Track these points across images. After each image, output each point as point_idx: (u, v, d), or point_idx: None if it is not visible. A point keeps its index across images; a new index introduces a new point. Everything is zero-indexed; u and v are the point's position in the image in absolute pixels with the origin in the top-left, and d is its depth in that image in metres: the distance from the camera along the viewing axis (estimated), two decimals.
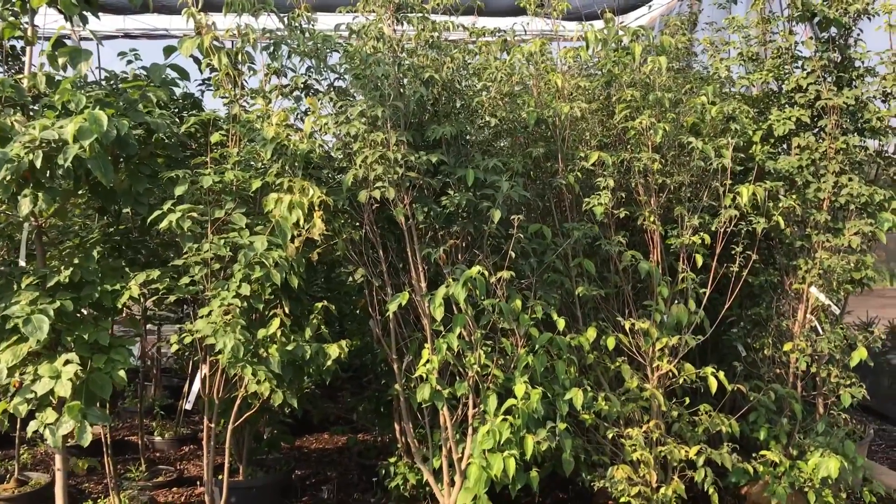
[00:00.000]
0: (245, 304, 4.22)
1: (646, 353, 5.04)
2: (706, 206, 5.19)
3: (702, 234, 5.00)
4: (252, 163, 4.48)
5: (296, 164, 4.20)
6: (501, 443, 4.31)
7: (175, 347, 4.51)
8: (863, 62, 5.63)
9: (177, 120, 4.79)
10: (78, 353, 4.45)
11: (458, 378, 4.62)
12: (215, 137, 4.37)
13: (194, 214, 4.10)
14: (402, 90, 4.16)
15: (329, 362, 4.36)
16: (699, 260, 5.05)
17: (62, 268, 4.51)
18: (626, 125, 5.04)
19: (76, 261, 4.66)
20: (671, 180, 5.02)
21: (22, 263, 4.75)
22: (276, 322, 4.27)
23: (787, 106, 5.58)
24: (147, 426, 7.47)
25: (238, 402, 4.70)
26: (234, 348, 4.12)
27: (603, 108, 5.21)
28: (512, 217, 4.30)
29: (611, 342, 4.93)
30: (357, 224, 4.65)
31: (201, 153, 5.13)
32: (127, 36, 11.00)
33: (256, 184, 4.33)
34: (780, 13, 5.72)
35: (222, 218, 4.22)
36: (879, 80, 5.46)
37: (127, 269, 4.84)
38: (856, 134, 5.51)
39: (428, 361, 4.44)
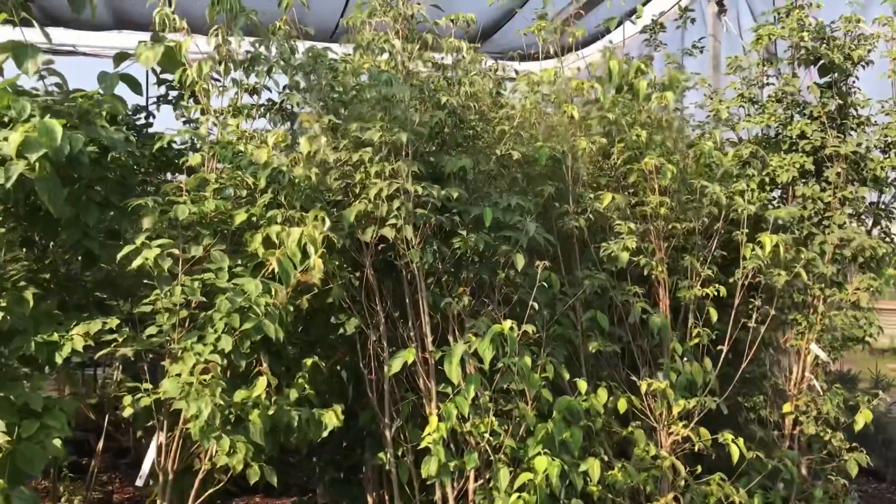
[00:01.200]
0: (225, 360, 3.49)
1: (658, 417, 4.55)
2: (717, 256, 4.79)
3: (716, 286, 4.59)
4: (229, 192, 3.76)
5: (293, 194, 3.52)
6: None
7: (128, 412, 3.70)
8: (857, 110, 5.42)
9: (131, 138, 4.02)
10: (3, 418, 3.60)
11: (462, 447, 4.01)
12: (195, 159, 3.64)
13: (175, 252, 3.35)
14: (415, 114, 3.57)
15: (325, 432, 3.66)
16: (714, 314, 4.64)
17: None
18: (628, 167, 4.61)
19: (1, 303, 3.81)
20: (681, 226, 4.60)
21: None
22: (260, 382, 3.56)
23: (787, 152, 5.29)
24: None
25: (201, 476, 3.92)
26: (211, 415, 3.38)
27: (599, 148, 4.75)
28: (536, 263, 3.75)
29: (622, 405, 4.44)
30: (351, 267, 3.99)
31: (149, 180, 4.38)
32: None
33: (241, 217, 3.62)
34: (777, 55, 5.47)
35: (199, 256, 3.48)
36: (881, 129, 5.25)
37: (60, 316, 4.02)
38: (857, 184, 5.28)
39: (435, 430, 3.80)
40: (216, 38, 3.82)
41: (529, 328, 3.70)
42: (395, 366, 3.75)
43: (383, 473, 4.68)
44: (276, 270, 3.42)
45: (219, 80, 4.25)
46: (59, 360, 3.73)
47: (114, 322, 3.56)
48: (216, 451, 3.74)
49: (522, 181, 4.27)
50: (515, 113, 4.20)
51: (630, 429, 4.48)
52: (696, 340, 4.62)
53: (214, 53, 4.00)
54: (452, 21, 3.93)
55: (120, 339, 3.56)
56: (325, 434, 3.71)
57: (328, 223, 3.41)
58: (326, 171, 3.72)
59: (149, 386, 3.76)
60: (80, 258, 3.97)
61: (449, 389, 3.90)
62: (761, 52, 5.34)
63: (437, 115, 3.62)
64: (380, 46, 3.70)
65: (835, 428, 5.23)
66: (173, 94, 4.78)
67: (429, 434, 3.83)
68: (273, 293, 3.54)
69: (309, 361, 3.84)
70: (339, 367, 4.37)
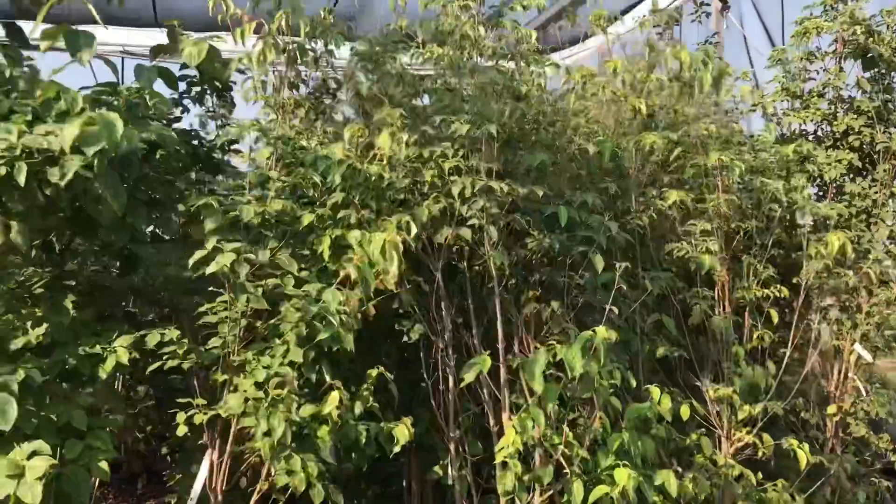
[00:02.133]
0: (296, 373, 3.21)
1: (722, 423, 4.38)
2: (775, 255, 4.63)
3: (778, 286, 4.43)
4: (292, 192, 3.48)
5: (368, 193, 3.25)
6: None
7: (182, 430, 3.40)
8: None
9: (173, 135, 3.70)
10: (44, 439, 3.27)
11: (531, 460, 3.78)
12: (263, 154, 3.33)
13: (252, 256, 3.05)
14: (494, 106, 3.33)
15: (397, 448, 3.40)
16: (775, 316, 4.48)
17: (28, 325, 3.32)
18: (687, 162, 4.43)
19: (38, 313, 3.49)
20: (745, 225, 4.44)
21: None
22: (332, 397, 3.28)
23: (830, 149, 5.17)
24: None
25: (256, 497, 3.63)
26: (284, 433, 3.10)
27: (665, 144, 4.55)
28: (618, 264, 3.54)
29: (685, 411, 4.25)
30: (414, 271, 3.73)
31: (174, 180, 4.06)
32: None
33: (308, 218, 3.34)
34: (820, 48, 5.33)
35: (264, 261, 3.19)
36: None
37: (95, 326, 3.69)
38: None
39: (511, 443, 3.56)
40: (273, 26, 3.52)
41: (613, 334, 3.48)
42: (470, 375, 3.50)
43: (431, 488, 4.45)
44: (354, 277, 3.14)
45: (250, 74, 3.98)
46: (102, 374, 3.41)
47: (174, 333, 3.25)
48: (274, 471, 3.47)
49: (586, 178, 4.05)
50: (586, 106, 3.97)
51: (696, 436, 4.29)
52: (756, 343, 4.46)
53: (260, 45, 3.71)
54: (524, 7, 3.68)
55: (180, 352, 3.25)
56: (397, 450, 3.45)
57: (415, 228, 3.14)
58: (393, 169, 3.46)
59: (202, 401, 3.46)
60: (119, 264, 3.63)
61: (521, 400, 3.68)
62: (804, 46, 5.20)
63: (519, 109, 3.37)
64: (463, 33, 3.43)
65: (877, 429, 5.14)
66: (195, 89, 4.45)
67: (504, 447, 3.59)
68: (345, 300, 3.27)
69: (374, 372, 3.58)
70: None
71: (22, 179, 2.87)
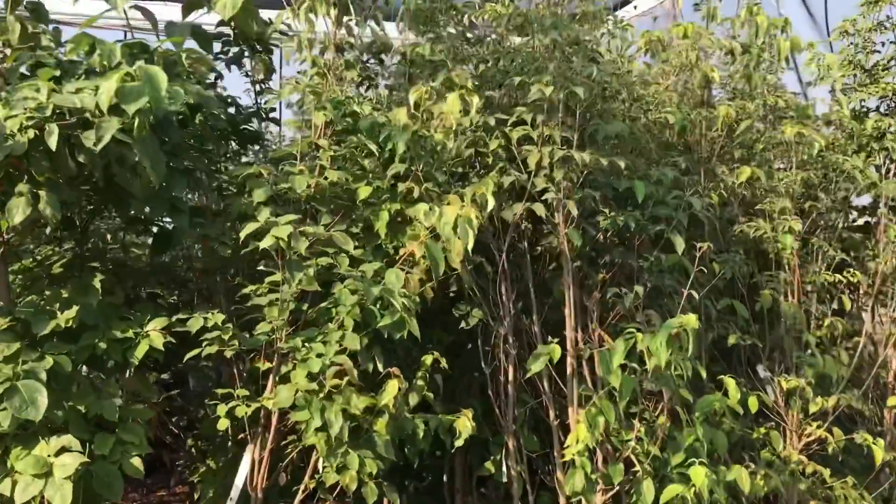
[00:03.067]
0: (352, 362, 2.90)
1: (791, 415, 4.09)
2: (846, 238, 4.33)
3: (851, 271, 4.13)
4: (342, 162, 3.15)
5: (434, 164, 2.92)
6: None
7: (224, 425, 3.09)
8: None
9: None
10: (72, 433, 2.96)
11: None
12: (319, 118, 2.99)
13: (309, 230, 2.72)
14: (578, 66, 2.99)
15: (459, 441, 3.10)
16: (847, 303, 4.19)
17: (56, 305, 3.00)
18: (747, 136, 4.11)
19: (64, 294, 3.16)
20: (820, 204, 4.13)
21: None
22: (391, 387, 2.97)
23: None
24: None
25: (300, 497, 3.33)
26: (342, 429, 2.79)
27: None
28: (700, 245, 3.23)
29: (753, 403, 3.95)
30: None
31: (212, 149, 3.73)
32: None
33: (365, 191, 3.00)
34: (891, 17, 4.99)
35: (322, 236, 2.85)
36: None
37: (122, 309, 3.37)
38: None
39: (581, 440, 3.27)
40: None
41: (692, 320, 3.16)
42: (537, 365, 3.19)
43: (476, 483, 4.16)
44: (419, 255, 2.82)
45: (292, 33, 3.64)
46: (134, 360, 3.09)
47: (218, 318, 2.93)
48: (322, 468, 3.16)
49: (656, 151, 3.72)
50: (653, 73, 3.64)
51: (763, 429, 4.00)
52: (826, 332, 4.16)
53: None
54: None
55: (225, 338, 2.92)
56: (459, 443, 3.15)
57: (491, 202, 2.80)
58: (465, 139, 3.12)
59: (244, 392, 3.14)
60: (159, 237, 3.30)
61: (588, 392, 3.38)
62: (873, 15, 4.86)
63: (592, 72, 3.03)
64: None
65: None
66: (232, 51, 4.09)
67: (571, 445, 3.29)
68: (405, 282, 2.95)
69: (428, 359, 3.26)
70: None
71: (54, 143, 2.54)
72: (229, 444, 3.88)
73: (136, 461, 3.05)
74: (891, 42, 5.01)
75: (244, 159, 4.04)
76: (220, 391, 3.16)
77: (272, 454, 3.37)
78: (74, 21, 7.75)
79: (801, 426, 4.08)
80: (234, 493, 3.28)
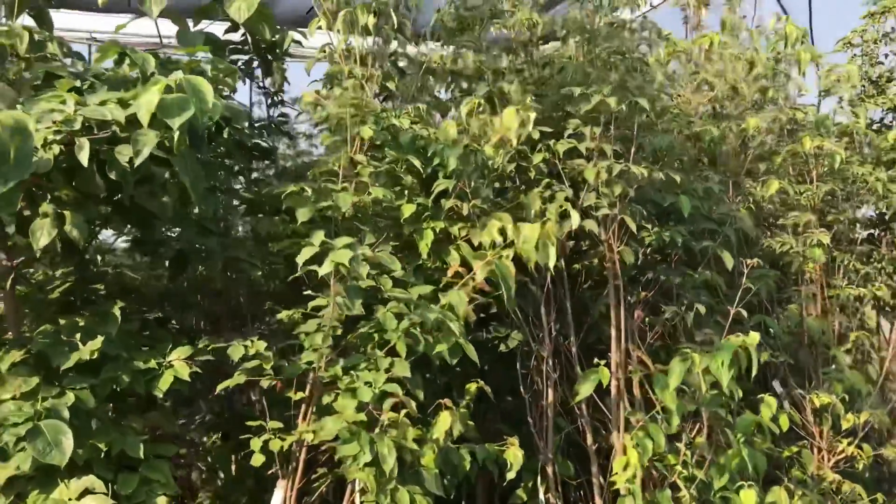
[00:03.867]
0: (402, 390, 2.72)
1: (822, 433, 4.01)
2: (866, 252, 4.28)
3: (877, 284, 4.08)
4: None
5: (483, 179, 2.77)
6: None
7: (259, 459, 2.88)
8: None
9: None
10: (95, 473, 2.73)
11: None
12: (366, 132, 2.80)
13: (368, 253, 2.53)
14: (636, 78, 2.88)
15: (511, 473, 2.94)
16: (871, 317, 4.14)
17: (77, 335, 2.76)
18: (765, 149, 4.06)
19: (80, 323, 2.92)
20: (842, 217, 4.08)
21: None
22: (443, 419, 2.80)
23: None
24: None
25: None
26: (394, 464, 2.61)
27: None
28: (748, 261, 3.13)
29: (784, 421, 3.86)
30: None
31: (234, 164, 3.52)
32: None
33: (409, 208, 2.84)
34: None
35: (371, 257, 2.67)
36: None
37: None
38: None
39: (629, 465, 3.13)
40: None
41: (755, 339, 3.04)
42: (586, 389, 3.05)
43: None
44: (482, 276, 2.66)
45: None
46: (159, 393, 2.87)
47: (260, 345, 2.72)
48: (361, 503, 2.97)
49: (688, 164, 3.63)
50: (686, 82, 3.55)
51: (795, 448, 3.92)
52: (852, 346, 4.10)
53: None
54: None
55: (267, 367, 2.72)
56: (511, 475, 2.99)
57: (576, 218, 2.65)
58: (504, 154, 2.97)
59: (278, 425, 2.94)
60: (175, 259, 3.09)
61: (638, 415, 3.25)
62: (876, 26, 4.87)
63: (659, 81, 2.93)
64: None
65: None
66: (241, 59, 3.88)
67: (621, 470, 3.15)
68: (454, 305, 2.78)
69: (473, 387, 3.10)
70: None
71: (85, 158, 2.32)
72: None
73: (162, 501, 2.83)
74: (894, 53, 5.03)
75: (254, 175, 3.83)
76: (251, 423, 2.95)
77: (299, 490, 3.16)
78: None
79: (831, 444, 4.01)
80: None
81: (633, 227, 2.86)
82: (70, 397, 2.65)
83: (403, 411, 2.65)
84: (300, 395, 2.94)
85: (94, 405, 2.72)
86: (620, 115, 2.87)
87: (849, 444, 3.97)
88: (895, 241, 4.32)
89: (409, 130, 2.87)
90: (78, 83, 2.67)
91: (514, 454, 2.98)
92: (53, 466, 2.60)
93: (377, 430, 2.64)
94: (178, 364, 2.92)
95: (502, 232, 2.68)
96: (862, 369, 4.10)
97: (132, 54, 2.52)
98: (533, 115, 2.70)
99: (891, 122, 4.99)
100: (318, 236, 2.44)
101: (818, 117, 4.02)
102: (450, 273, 2.85)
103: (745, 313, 3.21)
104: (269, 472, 3.08)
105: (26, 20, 3.22)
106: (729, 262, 3.15)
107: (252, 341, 2.73)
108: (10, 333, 2.95)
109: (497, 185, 3.23)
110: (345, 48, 3.02)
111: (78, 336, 2.77)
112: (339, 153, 2.99)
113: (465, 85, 3.30)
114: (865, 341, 4.07)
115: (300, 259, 2.41)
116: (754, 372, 2.86)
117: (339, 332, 2.99)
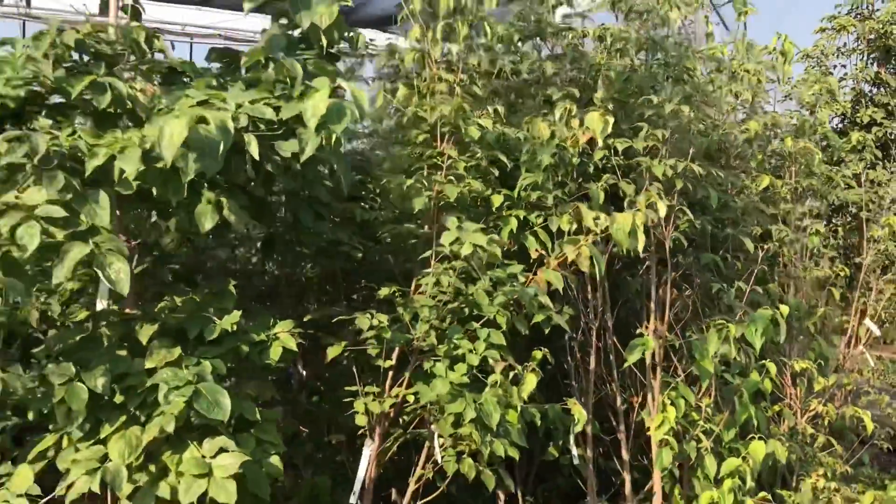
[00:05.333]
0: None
1: (795, 395, 4.66)
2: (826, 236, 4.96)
3: (841, 266, 4.76)
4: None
5: (568, 176, 3.20)
6: None
7: (362, 420, 3.24)
8: None
9: None
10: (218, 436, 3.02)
11: None
12: (473, 132, 3.17)
13: (497, 238, 2.92)
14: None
15: (578, 427, 3.41)
16: (836, 294, 4.81)
17: (210, 310, 3.04)
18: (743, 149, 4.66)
19: (197, 298, 3.19)
20: (815, 209, 4.73)
21: (102, 305, 3.15)
22: (530, 380, 3.23)
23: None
24: None
25: (413, 486, 3.52)
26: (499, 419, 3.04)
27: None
28: (766, 245, 3.69)
29: (767, 385, 4.49)
30: None
31: None
32: None
33: (498, 199, 3.25)
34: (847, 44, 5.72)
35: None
36: None
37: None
38: None
39: (665, 421, 3.65)
40: None
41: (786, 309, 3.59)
42: (634, 356, 3.55)
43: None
44: (572, 259, 3.10)
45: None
46: (271, 362, 3.18)
47: (383, 318, 3.07)
48: (441, 457, 3.39)
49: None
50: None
51: (778, 407, 4.55)
52: (817, 319, 4.76)
53: None
54: None
55: (387, 336, 3.07)
56: (578, 429, 3.46)
57: (663, 207, 3.12)
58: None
59: (374, 389, 3.30)
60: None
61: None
62: (834, 43, 5.57)
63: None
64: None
65: None
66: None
67: (658, 426, 3.67)
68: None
69: (538, 354, 3.54)
70: None
71: (255, 151, 2.62)
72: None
73: (276, 460, 3.14)
74: (842, 65, 5.75)
75: None
76: (350, 388, 3.30)
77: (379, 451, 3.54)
78: None
79: (804, 403, 4.67)
80: (357, 486, 3.42)
81: (690, 215, 3.36)
82: (207, 365, 2.93)
83: (512, 373, 3.06)
84: (389, 363, 3.31)
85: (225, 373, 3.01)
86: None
87: (819, 403, 4.64)
88: (851, 229, 5.01)
89: (494, 129, 3.27)
90: (214, 82, 2.94)
91: (580, 412, 3.44)
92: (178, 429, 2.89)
93: (486, 391, 3.04)
94: (284, 335, 3.23)
95: (595, 219, 3.12)
96: (828, 339, 4.77)
97: (285, 60, 2.81)
98: (611, 119, 3.15)
99: (839, 126, 5.72)
100: (454, 222, 2.82)
101: (800, 122, 4.63)
102: (534, 255, 3.27)
103: (760, 291, 3.78)
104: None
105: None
106: (750, 247, 3.69)
107: (371, 314, 3.08)
108: (127, 308, 3.19)
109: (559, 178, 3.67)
110: (441, 55, 3.37)
111: (211, 311, 3.04)
112: (421, 148, 3.37)
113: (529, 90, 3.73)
114: (830, 315, 4.73)
115: (445, 241, 2.79)
116: (782, 338, 3.42)
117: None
